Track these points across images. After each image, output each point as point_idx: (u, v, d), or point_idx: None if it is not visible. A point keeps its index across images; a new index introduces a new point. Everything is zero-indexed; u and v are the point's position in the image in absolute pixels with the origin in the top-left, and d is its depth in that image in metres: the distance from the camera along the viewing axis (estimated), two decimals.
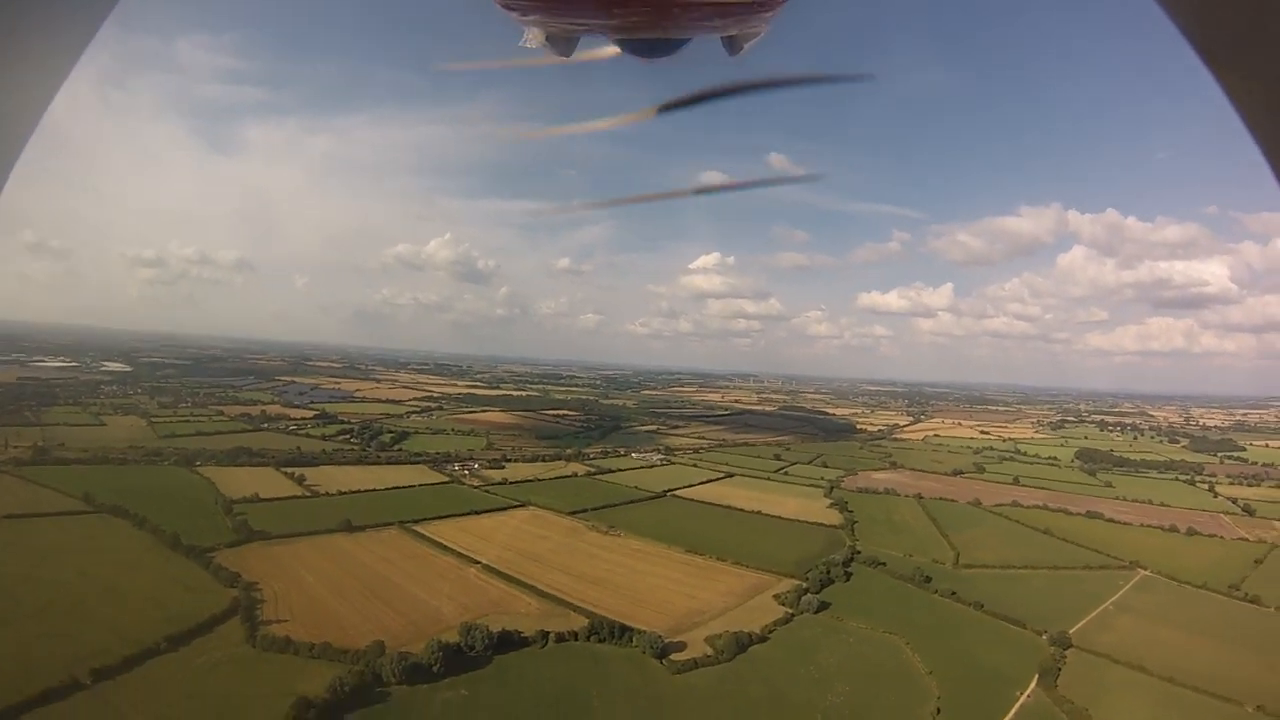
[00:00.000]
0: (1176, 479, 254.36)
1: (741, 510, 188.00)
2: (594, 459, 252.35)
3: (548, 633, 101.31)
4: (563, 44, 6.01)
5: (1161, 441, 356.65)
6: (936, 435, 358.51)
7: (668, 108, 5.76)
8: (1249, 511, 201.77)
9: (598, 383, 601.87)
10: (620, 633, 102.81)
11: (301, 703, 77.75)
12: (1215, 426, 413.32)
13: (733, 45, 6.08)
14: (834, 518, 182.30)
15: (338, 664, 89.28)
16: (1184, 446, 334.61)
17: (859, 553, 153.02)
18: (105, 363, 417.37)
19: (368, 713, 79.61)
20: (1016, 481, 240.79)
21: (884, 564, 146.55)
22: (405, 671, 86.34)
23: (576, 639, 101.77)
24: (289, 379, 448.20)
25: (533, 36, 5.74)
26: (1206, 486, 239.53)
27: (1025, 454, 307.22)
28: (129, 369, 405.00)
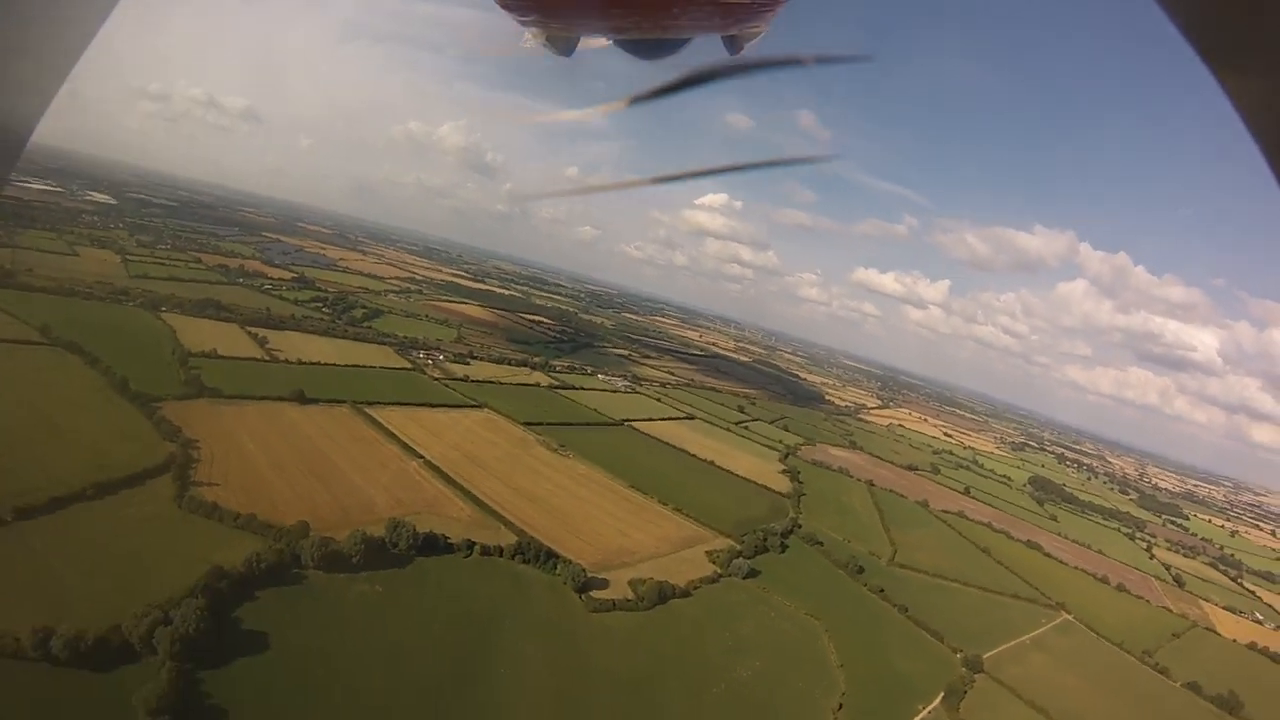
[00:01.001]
0: (1119, 530, 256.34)
1: (694, 457, 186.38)
2: (560, 373, 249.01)
3: (474, 544, 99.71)
4: (563, 44, 5.91)
5: (1113, 489, 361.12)
6: (901, 426, 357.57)
7: (640, 99, 5.37)
8: (1179, 583, 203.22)
9: (581, 296, 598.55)
10: (546, 558, 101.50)
11: (215, 572, 76.17)
12: (1166, 489, 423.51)
13: (734, 45, 6.01)
14: (783, 485, 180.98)
15: (260, 538, 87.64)
16: (1133, 500, 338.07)
17: (800, 527, 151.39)
18: (91, 192, 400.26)
19: (279, 593, 78.43)
20: (968, 492, 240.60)
21: (821, 544, 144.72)
22: (325, 558, 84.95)
23: (501, 555, 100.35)
24: (275, 237, 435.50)
25: (532, 36, 5.72)
26: (1145, 545, 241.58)
27: (982, 466, 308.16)
28: (114, 202, 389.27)
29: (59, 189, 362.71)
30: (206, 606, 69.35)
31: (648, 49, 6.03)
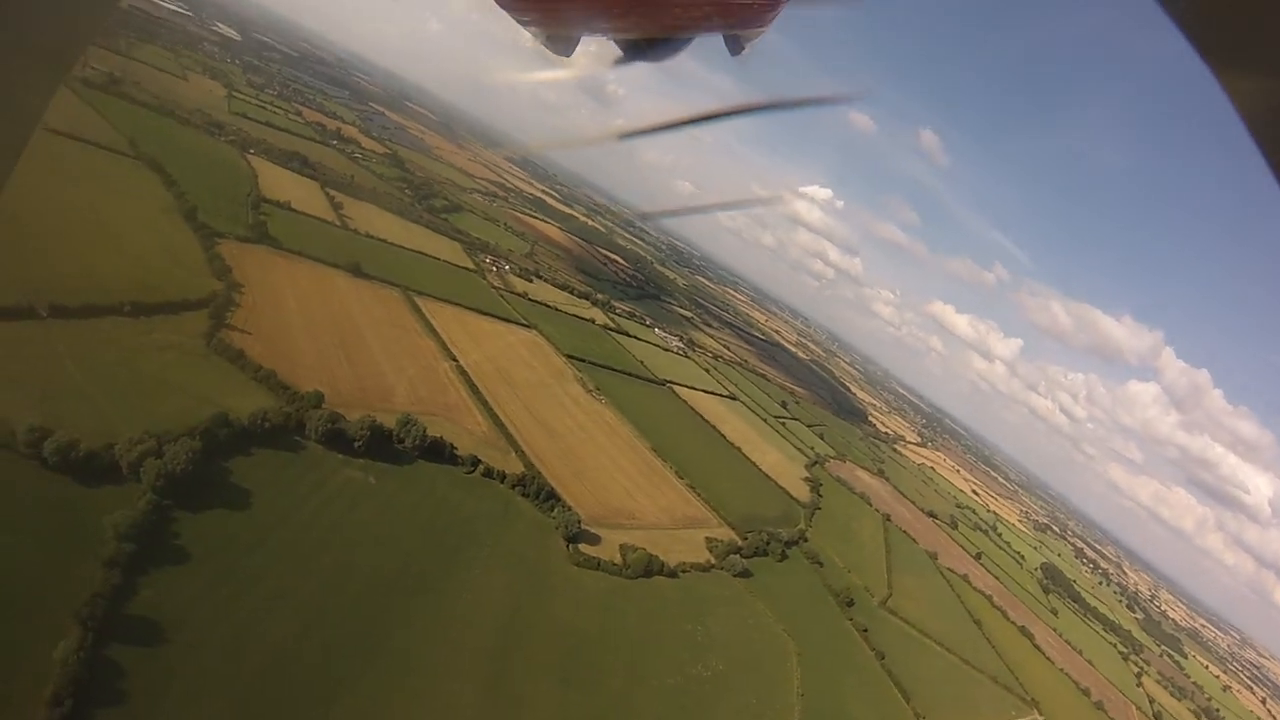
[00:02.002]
0: (1115, 646, 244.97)
1: (724, 438, 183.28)
2: (619, 315, 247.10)
3: (479, 462, 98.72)
4: (563, 44, 5.93)
5: (1121, 602, 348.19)
6: (934, 468, 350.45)
7: (629, 135, 5.98)
8: None
9: (662, 247, 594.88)
10: (546, 497, 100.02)
11: (219, 418, 76.70)
12: (1173, 620, 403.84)
13: (735, 45, 6.13)
14: (802, 492, 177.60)
15: (274, 396, 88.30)
16: (1137, 619, 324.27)
17: (805, 540, 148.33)
18: (219, 23, 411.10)
19: (275, 455, 78.74)
20: (979, 557, 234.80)
21: (821, 565, 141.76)
22: (329, 434, 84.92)
23: (503, 481, 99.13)
24: (381, 109, 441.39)
25: (533, 36, 5.76)
26: (1136, 671, 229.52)
27: (1000, 535, 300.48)
28: (238, 38, 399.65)
29: (188, 12, 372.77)
30: (200, 450, 69.74)
31: (648, 49, 5.98)
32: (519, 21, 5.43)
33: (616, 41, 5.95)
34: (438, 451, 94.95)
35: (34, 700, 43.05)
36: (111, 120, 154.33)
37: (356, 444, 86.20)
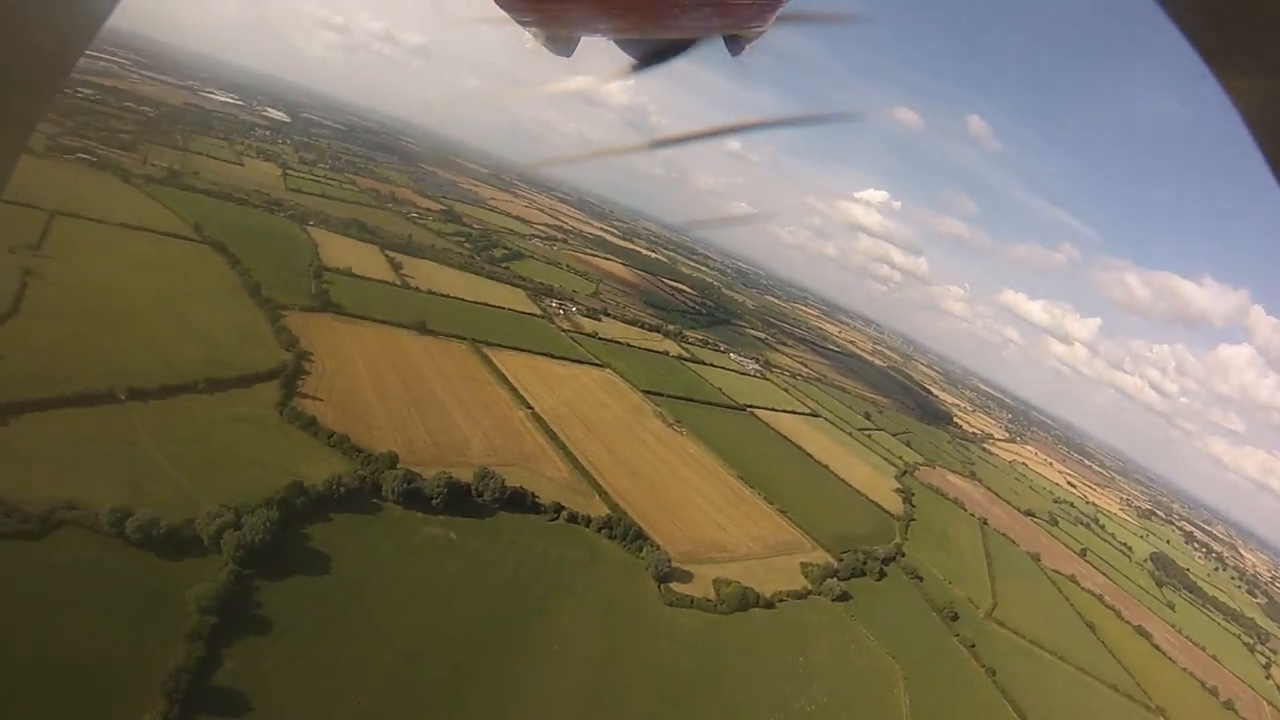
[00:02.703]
0: (1239, 637, 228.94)
1: (811, 457, 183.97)
2: (692, 344, 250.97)
3: (562, 508, 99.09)
4: (563, 45, 6.17)
5: (1240, 587, 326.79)
6: (1025, 464, 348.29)
7: (661, 144, 6.36)
8: None
9: (727, 271, 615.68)
10: (634, 538, 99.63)
11: (295, 486, 78.98)
12: None
13: (735, 46, 6.29)
14: (895, 505, 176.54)
15: (348, 460, 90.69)
16: (1260, 605, 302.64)
17: (903, 555, 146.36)
18: (269, 109, 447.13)
19: (353, 519, 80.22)
20: (1084, 554, 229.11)
21: (921, 579, 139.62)
22: (406, 494, 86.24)
23: (588, 525, 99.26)
24: (431, 169, 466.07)
25: (533, 37, 5.97)
26: (1264, 661, 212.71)
27: (1103, 528, 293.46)
28: (287, 120, 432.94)
29: (240, 102, 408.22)
30: (279, 519, 71.67)
31: (649, 49, 6.23)
32: (519, 22, 5.59)
33: (617, 42, 6.21)
34: (519, 501, 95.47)
35: None
36: (176, 210, 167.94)
37: (434, 501, 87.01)
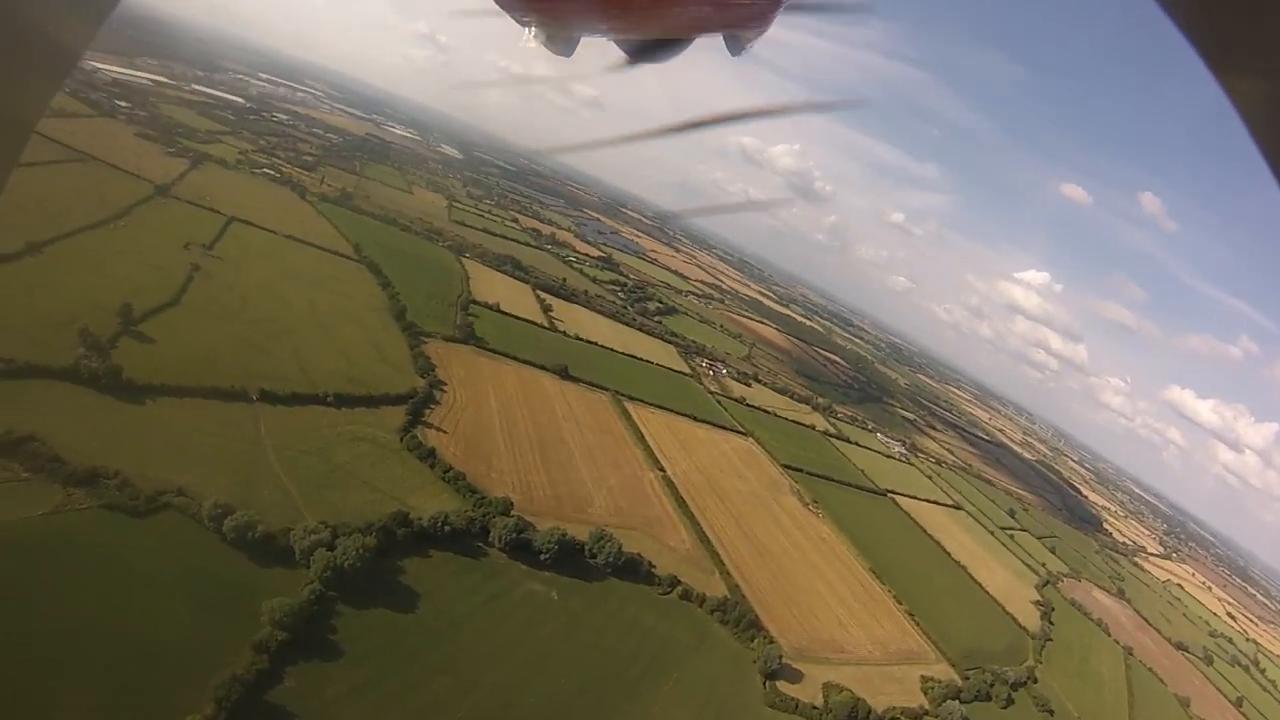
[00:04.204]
0: None
1: (948, 555, 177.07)
2: (840, 419, 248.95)
3: (678, 582, 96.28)
4: (563, 44, 6.52)
5: None
6: (1180, 586, 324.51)
7: (675, 130, 6.80)
8: None
9: (882, 345, 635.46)
10: (748, 626, 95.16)
11: (399, 515, 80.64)
12: None
13: (735, 45, 6.64)
14: (1032, 619, 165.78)
15: (461, 498, 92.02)
16: None
17: (1035, 681, 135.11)
18: (444, 145, 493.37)
19: (453, 560, 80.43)
20: (1239, 705, 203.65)
21: (1052, 713, 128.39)
22: (514, 543, 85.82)
23: (701, 605, 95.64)
24: (595, 216, 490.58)
25: (532, 36, 6.20)
26: None
27: (1264, 673, 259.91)
28: (460, 156, 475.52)
29: (418, 137, 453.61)
30: (375, 546, 72.89)
31: (649, 49, 6.59)
32: (519, 22, 5.82)
33: (618, 42, 6.52)
34: (633, 569, 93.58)
35: None
36: (341, 229, 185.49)
37: (543, 556, 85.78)
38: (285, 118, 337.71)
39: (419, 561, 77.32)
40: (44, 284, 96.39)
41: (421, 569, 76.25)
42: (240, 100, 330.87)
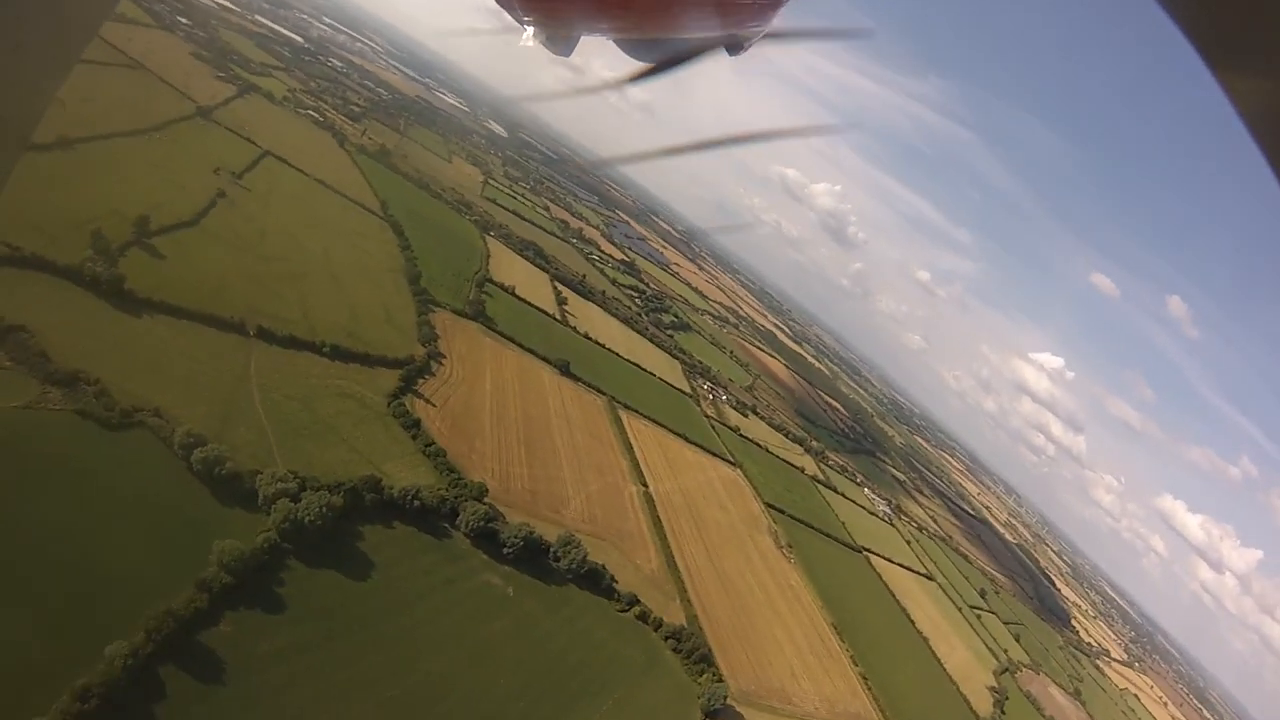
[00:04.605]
0: None
1: (913, 623, 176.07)
2: (830, 467, 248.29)
3: (636, 602, 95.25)
4: (563, 43, 6.64)
5: None
6: (1137, 697, 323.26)
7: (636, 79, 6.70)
8: None
9: (884, 400, 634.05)
10: (699, 659, 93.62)
11: (370, 480, 79.55)
12: None
13: (735, 45, 6.65)
14: (984, 704, 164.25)
15: (436, 475, 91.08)
16: None
17: None
18: (491, 121, 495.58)
19: (415, 535, 79.56)
20: None
21: None
22: (480, 531, 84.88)
23: (656, 630, 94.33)
24: (626, 219, 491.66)
25: (532, 36, 6.42)
26: None
27: None
28: (504, 135, 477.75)
29: (466, 108, 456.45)
30: (340, 508, 72.11)
31: (648, 49, 6.63)
32: (519, 21, 5.90)
33: (617, 41, 6.59)
34: (594, 579, 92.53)
35: (63, 683, 45.12)
36: (373, 183, 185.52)
37: (507, 550, 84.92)
38: (340, 65, 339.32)
39: (381, 530, 76.34)
40: (67, 180, 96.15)
41: (381, 539, 75.27)
42: (299, 39, 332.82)
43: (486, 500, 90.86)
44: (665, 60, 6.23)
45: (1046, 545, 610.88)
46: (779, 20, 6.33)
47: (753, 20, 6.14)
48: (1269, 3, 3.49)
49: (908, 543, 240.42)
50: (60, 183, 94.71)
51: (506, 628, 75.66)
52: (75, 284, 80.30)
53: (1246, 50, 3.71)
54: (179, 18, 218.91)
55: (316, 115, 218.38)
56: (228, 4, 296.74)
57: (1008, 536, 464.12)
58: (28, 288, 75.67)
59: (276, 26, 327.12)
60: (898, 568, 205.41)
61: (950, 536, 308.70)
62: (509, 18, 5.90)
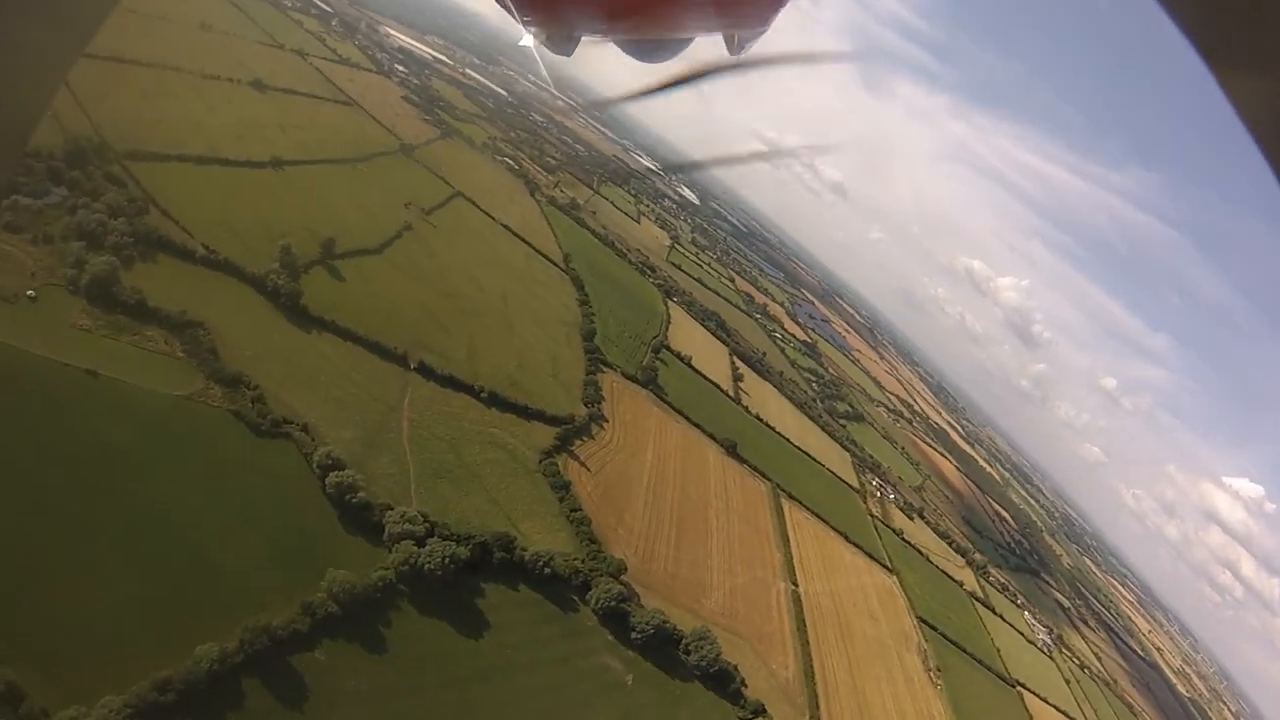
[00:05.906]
0: None
1: None
2: (991, 584, 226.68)
3: (761, 713, 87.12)
4: (563, 44, 6.63)
5: None
6: None
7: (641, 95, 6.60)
8: None
9: (1056, 515, 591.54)
10: None
11: (503, 538, 76.82)
12: None
13: (734, 45, 6.74)
14: None
15: (575, 543, 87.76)
16: None
17: None
18: (683, 188, 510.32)
19: (538, 603, 76.51)
20: None
21: None
22: (609, 611, 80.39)
23: None
24: (810, 299, 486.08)
25: (531, 36, 6.42)
26: None
27: None
28: (696, 202, 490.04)
29: (660, 172, 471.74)
30: (464, 560, 69.74)
31: (649, 49, 6.94)
32: (519, 22, 5.94)
33: (617, 42, 6.62)
34: (723, 680, 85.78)
35: (145, 668, 46.73)
36: (559, 234, 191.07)
37: (635, 635, 79.95)
38: (540, 119, 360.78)
39: (505, 591, 73.74)
40: (271, 197, 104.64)
41: (504, 599, 72.60)
42: (504, 93, 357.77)
43: (624, 579, 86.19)
44: (679, 77, 5.81)
45: (1224, 704, 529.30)
46: (760, 47, 6.38)
47: (754, 19, 6.14)
48: (1269, 3, 3.35)
49: (1066, 682, 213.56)
50: (265, 198, 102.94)
51: (614, 718, 70.32)
52: (257, 291, 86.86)
53: (1246, 50, 3.61)
54: (397, 65, 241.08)
55: (512, 164, 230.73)
56: (442, 57, 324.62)
57: (1180, 688, 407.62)
58: (215, 288, 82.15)
59: (484, 80, 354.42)
60: (1052, 710, 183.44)
61: (1115, 681, 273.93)
62: (511, 19, 5.84)
